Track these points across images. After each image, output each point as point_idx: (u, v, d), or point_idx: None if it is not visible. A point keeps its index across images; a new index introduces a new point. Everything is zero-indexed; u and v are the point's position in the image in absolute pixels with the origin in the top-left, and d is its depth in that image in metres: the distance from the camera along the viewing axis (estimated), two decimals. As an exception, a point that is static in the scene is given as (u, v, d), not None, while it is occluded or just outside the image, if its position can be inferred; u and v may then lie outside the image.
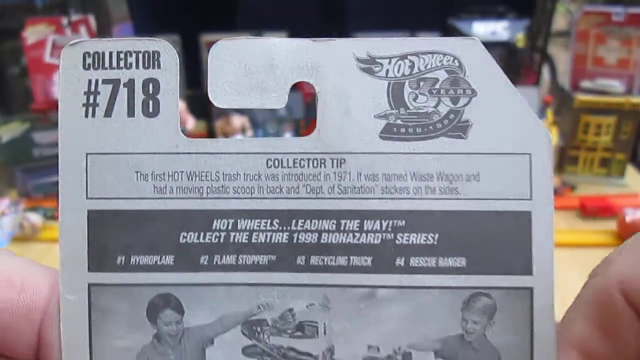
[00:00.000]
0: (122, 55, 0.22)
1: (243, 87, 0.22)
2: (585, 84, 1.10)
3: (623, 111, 1.07)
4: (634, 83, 1.08)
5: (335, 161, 0.23)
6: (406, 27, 1.36)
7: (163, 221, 0.22)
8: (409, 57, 0.22)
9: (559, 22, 1.39)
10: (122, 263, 0.22)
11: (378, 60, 0.22)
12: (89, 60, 0.22)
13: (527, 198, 0.22)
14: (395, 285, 0.23)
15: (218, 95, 0.23)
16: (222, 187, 0.22)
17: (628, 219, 0.93)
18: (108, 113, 0.22)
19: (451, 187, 0.22)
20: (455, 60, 0.22)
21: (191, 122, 1.19)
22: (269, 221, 0.22)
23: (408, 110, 0.22)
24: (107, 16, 1.83)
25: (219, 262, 0.23)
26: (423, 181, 0.22)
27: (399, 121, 0.22)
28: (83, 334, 0.22)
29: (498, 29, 1.28)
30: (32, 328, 0.22)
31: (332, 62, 0.22)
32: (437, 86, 0.22)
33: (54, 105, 1.14)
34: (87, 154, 0.22)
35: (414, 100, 0.22)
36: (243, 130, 1.18)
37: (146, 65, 0.22)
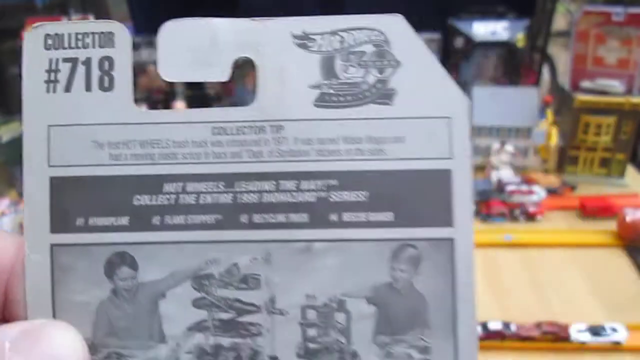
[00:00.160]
0: (79, 36, 0.24)
1: (189, 63, 0.25)
2: (585, 84, 1.10)
3: (623, 111, 1.07)
4: (634, 83, 1.07)
5: (274, 128, 0.25)
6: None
7: (118, 185, 0.25)
8: (339, 33, 0.25)
9: (559, 22, 1.39)
10: (82, 225, 0.24)
11: (312, 37, 0.25)
12: (49, 42, 0.24)
13: (447, 157, 0.25)
14: (329, 239, 0.25)
15: (167, 70, 0.25)
16: (172, 153, 0.25)
17: (628, 219, 0.93)
18: (67, 88, 0.24)
19: (379, 149, 0.24)
20: (381, 35, 0.24)
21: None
22: (215, 184, 0.25)
23: (339, 81, 0.25)
24: (107, 16, 1.83)
25: (169, 222, 0.25)
26: (353, 144, 0.25)
27: (331, 91, 0.25)
28: (46, 291, 0.24)
29: (498, 29, 1.28)
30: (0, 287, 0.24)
31: (271, 40, 0.25)
32: (365, 58, 0.25)
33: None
34: (48, 126, 0.24)
35: (345, 71, 0.25)
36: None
37: (102, 44, 0.24)
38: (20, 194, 1.15)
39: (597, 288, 0.83)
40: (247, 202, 0.25)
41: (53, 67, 0.24)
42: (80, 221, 0.24)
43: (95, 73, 0.24)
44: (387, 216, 0.25)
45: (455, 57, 1.32)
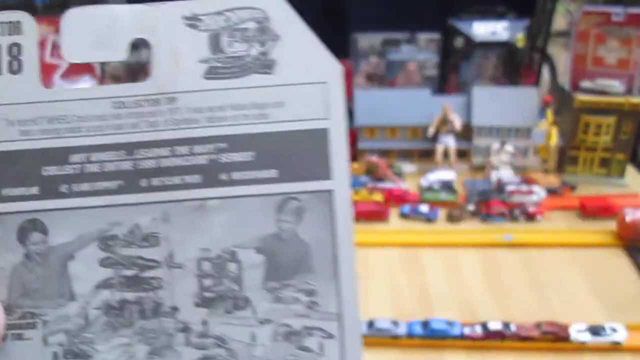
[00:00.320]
0: None
1: (89, 45, 0.27)
2: (585, 84, 1.10)
3: (623, 111, 1.07)
4: (634, 83, 1.07)
5: (168, 100, 0.27)
6: (406, 27, 1.36)
7: (28, 158, 0.27)
8: (225, 13, 0.27)
9: (559, 22, 1.39)
10: None
11: (200, 17, 0.27)
12: None
13: (324, 118, 0.28)
14: (220, 197, 0.28)
15: (70, 52, 0.27)
16: (77, 127, 0.27)
17: (628, 219, 0.93)
18: None
19: (262, 114, 0.27)
20: (262, 12, 0.27)
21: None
22: (117, 153, 0.27)
23: (225, 55, 0.27)
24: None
25: (76, 190, 0.27)
26: (239, 110, 0.27)
27: (218, 64, 0.27)
28: None
29: (498, 29, 1.28)
30: None
31: (164, 22, 0.27)
32: (248, 34, 0.27)
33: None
34: None
35: (230, 46, 0.27)
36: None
37: (10, 32, 0.27)
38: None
39: (597, 288, 0.83)
40: (146, 167, 0.27)
41: None
42: None
43: (5, 58, 0.27)
44: (272, 173, 0.28)
45: (455, 57, 1.32)
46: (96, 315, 0.28)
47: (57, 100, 0.27)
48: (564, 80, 1.16)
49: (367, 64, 1.36)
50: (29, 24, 0.27)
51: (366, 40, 1.34)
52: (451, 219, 1.01)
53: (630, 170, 1.15)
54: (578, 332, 0.72)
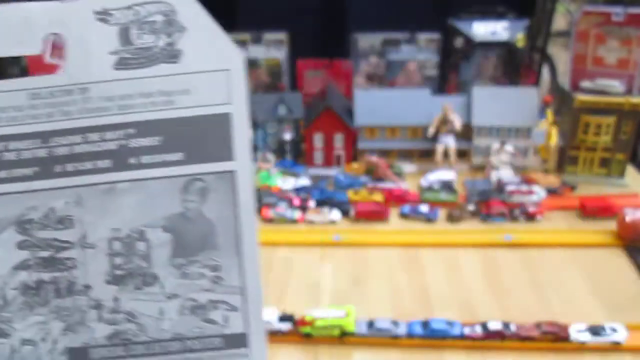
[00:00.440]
0: None
1: (5, 41, 0.29)
2: (585, 84, 1.10)
3: (623, 111, 1.07)
4: (634, 83, 1.07)
5: (80, 90, 0.29)
6: (406, 27, 1.36)
7: None
8: (134, 7, 0.29)
9: (559, 22, 1.39)
10: None
11: (110, 12, 0.29)
12: None
13: (227, 103, 0.29)
14: (130, 179, 0.29)
15: None
16: None
17: (628, 219, 0.93)
18: None
19: (169, 100, 0.29)
20: (169, 6, 0.29)
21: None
22: (33, 141, 0.29)
23: (134, 47, 0.29)
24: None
25: None
26: (148, 98, 0.29)
27: (128, 55, 0.29)
28: None
29: (498, 29, 1.28)
30: None
31: (75, 16, 0.29)
32: (155, 27, 0.29)
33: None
34: None
35: (139, 38, 0.29)
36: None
37: None
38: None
39: (597, 288, 0.83)
40: (60, 154, 0.29)
41: None
42: None
43: None
44: (178, 156, 0.29)
45: (455, 57, 1.32)
46: (14, 296, 0.29)
47: None
48: (564, 80, 1.16)
49: (367, 64, 1.36)
50: None
51: (366, 40, 1.34)
52: (451, 219, 1.01)
53: (630, 170, 1.15)
54: (578, 332, 0.72)
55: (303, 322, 0.74)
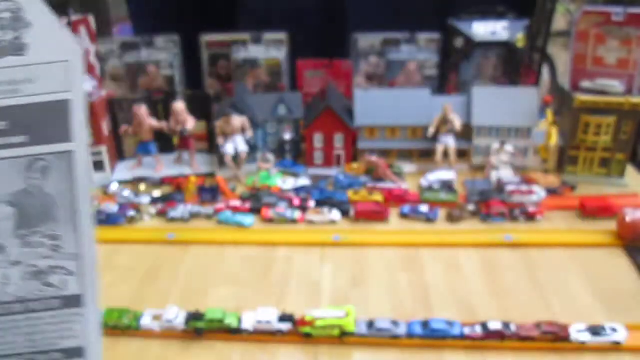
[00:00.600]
0: None
1: None
2: (585, 84, 1.10)
3: (623, 111, 1.07)
4: (634, 83, 1.07)
5: None
6: (406, 27, 1.36)
7: None
8: None
9: (559, 22, 1.39)
10: None
11: None
12: None
13: (67, 90, 0.33)
14: None
15: None
16: None
17: (628, 219, 0.93)
18: None
19: (15, 89, 0.33)
20: (16, 4, 0.32)
21: (191, 123, 1.19)
22: None
23: None
24: (107, 16, 1.83)
25: None
26: None
27: None
28: None
29: (498, 29, 1.28)
30: None
31: None
32: (3, 23, 0.32)
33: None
34: None
35: None
36: (243, 130, 1.18)
37: None
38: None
39: (597, 288, 0.83)
40: None
41: None
42: None
43: None
44: (23, 139, 0.33)
45: (455, 57, 1.32)
46: None
47: None
48: (564, 80, 1.16)
49: (367, 64, 1.36)
50: None
51: (366, 40, 1.34)
52: (451, 219, 1.01)
53: (630, 170, 1.15)
54: (578, 332, 0.72)
55: (303, 322, 0.74)
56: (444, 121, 1.15)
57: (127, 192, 1.11)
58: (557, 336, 0.71)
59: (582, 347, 0.71)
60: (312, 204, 1.06)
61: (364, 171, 1.17)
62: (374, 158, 1.15)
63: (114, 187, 1.14)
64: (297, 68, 1.35)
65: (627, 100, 1.06)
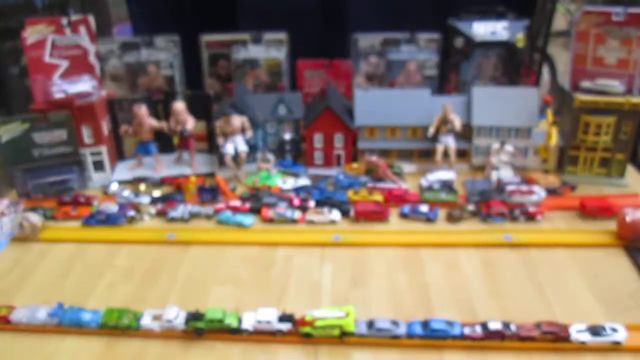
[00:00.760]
0: None
1: None
2: (585, 84, 1.10)
3: (623, 111, 1.07)
4: (634, 83, 1.07)
5: None
6: (406, 27, 1.36)
7: None
8: None
9: (559, 22, 1.39)
10: None
11: None
12: None
13: None
14: None
15: None
16: None
17: (628, 219, 0.93)
18: None
19: None
20: None
21: (191, 123, 1.19)
22: None
23: None
24: (107, 16, 1.83)
25: None
26: None
27: None
28: None
29: (498, 29, 1.28)
30: None
31: None
32: None
33: (53, 105, 1.14)
34: None
35: None
36: (243, 130, 1.18)
37: None
38: (20, 195, 1.16)
39: (597, 288, 0.83)
40: None
41: None
42: None
43: None
44: None
45: (455, 57, 1.32)
46: None
47: None
48: (564, 80, 1.16)
49: (367, 64, 1.36)
50: None
51: (366, 40, 1.34)
52: (451, 219, 1.01)
53: (630, 170, 1.15)
54: (578, 332, 0.72)
55: (303, 322, 0.74)
56: (444, 121, 1.15)
57: (127, 192, 1.11)
58: (557, 336, 0.71)
59: (582, 347, 0.71)
60: (312, 204, 1.06)
61: (364, 171, 1.17)
62: (374, 158, 1.15)
63: (114, 187, 1.14)
64: (297, 68, 1.35)
65: (627, 100, 1.06)
